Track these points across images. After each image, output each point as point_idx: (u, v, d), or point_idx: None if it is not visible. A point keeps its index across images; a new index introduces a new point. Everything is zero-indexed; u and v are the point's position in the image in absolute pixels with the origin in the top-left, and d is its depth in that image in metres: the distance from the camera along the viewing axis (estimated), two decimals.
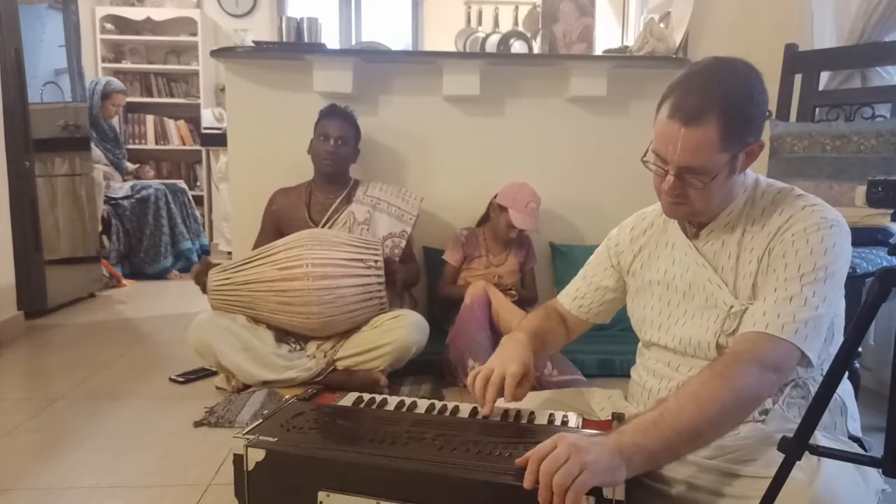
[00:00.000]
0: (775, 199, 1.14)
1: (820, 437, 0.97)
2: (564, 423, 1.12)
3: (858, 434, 1.16)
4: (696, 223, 1.20)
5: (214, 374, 2.31)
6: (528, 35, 3.12)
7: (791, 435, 0.83)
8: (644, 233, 1.31)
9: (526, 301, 2.56)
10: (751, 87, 1.08)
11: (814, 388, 1.06)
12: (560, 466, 0.84)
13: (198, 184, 5.54)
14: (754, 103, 1.08)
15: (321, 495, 0.97)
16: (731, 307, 1.10)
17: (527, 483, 0.87)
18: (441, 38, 5.06)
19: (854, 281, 1.66)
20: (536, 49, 3.06)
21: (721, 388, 0.95)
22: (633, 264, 1.30)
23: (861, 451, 1.10)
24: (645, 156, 1.14)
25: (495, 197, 2.57)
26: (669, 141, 1.08)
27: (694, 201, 1.12)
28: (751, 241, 1.12)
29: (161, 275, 4.30)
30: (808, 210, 1.09)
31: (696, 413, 0.93)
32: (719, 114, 1.04)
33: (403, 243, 2.51)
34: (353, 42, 5.54)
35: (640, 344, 1.31)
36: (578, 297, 1.39)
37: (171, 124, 5.52)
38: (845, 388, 1.17)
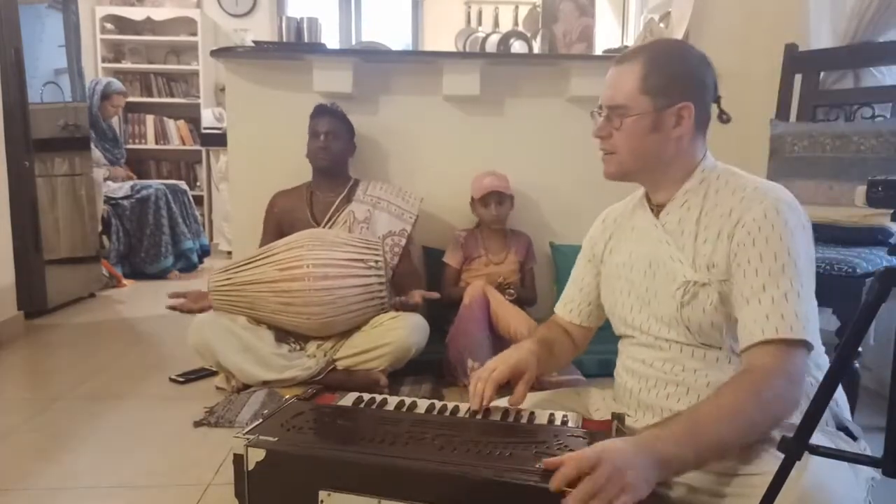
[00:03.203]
0: (728, 181, 1.16)
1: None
2: (564, 423, 1.11)
3: (848, 418, 1.17)
4: (657, 203, 1.23)
5: (214, 374, 2.31)
6: (528, 35, 3.12)
7: (790, 434, 0.83)
8: (615, 221, 1.35)
9: (525, 301, 2.56)
10: (686, 50, 1.20)
11: (812, 390, 1.06)
12: (600, 489, 0.83)
13: (198, 184, 5.54)
14: (684, 61, 1.17)
15: (322, 494, 0.97)
16: (689, 281, 1.12)
17: (553, 485, 0.85)
18: (441, 38, 5.06)
19: (854, 281, 1.67)
20: (536, 49, 3.05)
21: (754, 405, 0.97)
22: (604, 252, 1.34)
23: (853, 443, 1.11)
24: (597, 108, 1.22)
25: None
26: (605, 84, 1.21)
27: (619, 148, 1.18)
28: (707, 220, 1.14)
29: (161, 275, 4.30)
30: (761, 192, 1.10)
31: (728, 429, 0.95)
32: (646, 57, 1.16)
33: (403, 241, 2.52)
34: (353, 42, 5.54)
35: (618, 343, 1.32)
36: (568, 301, 1.41)
37: (171, 124, 5.52)
38: None
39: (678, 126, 1.15)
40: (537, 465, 0.92)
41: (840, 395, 1.18)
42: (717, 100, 1.21)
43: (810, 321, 1.04)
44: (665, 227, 1.19)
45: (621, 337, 1.30)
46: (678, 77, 1.15)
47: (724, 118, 1.23)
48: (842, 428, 1.14)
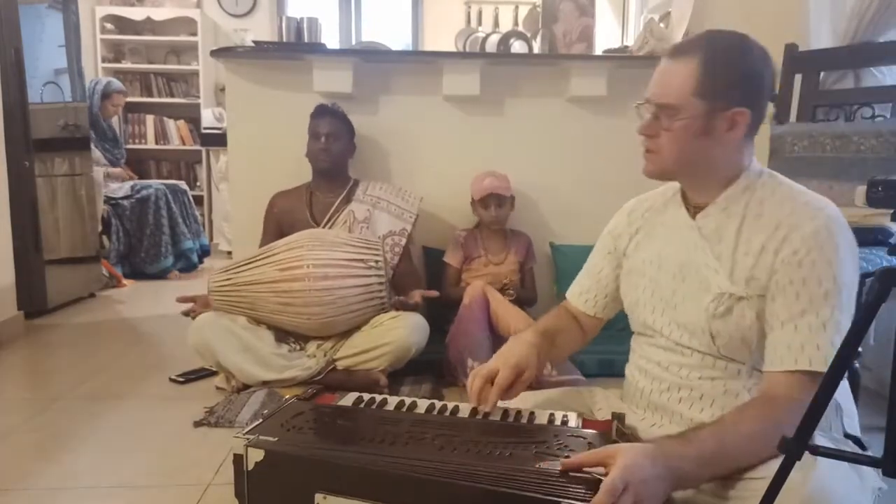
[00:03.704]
0: (775, 190, 1.10)
1: (817, 437, 0.97)
2: (564, 423, 1.11)
3: (857, 432, 1.15)
4: (694, 204, 1.16)
5: (214, 374, 2.31)
6: (528, 35, 3.12)
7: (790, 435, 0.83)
8: (642, 215, 1.28)
9: (525, 301, 2.56)
10: (748, 51, 1.09)
11: None
12: None
13: (198, 184, 5.53)
14: (744, 64, 1.08)
15: (318, 497, 0.96)
16: (724, 293, 1.07)
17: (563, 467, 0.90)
18: (441, 38, 5.06)
19: None
20: (536, 49, 3.05)
21: (775, 435, 0.93)
22: (629, 246, 1.27)
23: (860, 451, 1.09)
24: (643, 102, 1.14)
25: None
26: (655, 77, 1.13)
27: (664, 149, 1.10)
28: (749, 231, 1.08)
29: (161, 275, 4.30)
30: (812, 207, 1.05)
31: (748, 457, 0.97)
32: (703, 54, 1.07)
33: (404, 241, 2.52)
34: (353, 42, 5.54)
35: (632, 339, 1.29)
36: (583, 291, 1.36)
37: (171, 124, 5.52)
38: (841, 387, 1.14)
39: (731, 131, 1.08)
40: (538, 466, 0.92)
41: (850, 404, 1.15)
42: (774, 98, 1.15)
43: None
44: (701, 230, 1.13)
45: (636, 333, 1.27)
46: (737, 80, 1.07)
47: (780, 119, 1.19)
48: (850, 437, 1.12)
